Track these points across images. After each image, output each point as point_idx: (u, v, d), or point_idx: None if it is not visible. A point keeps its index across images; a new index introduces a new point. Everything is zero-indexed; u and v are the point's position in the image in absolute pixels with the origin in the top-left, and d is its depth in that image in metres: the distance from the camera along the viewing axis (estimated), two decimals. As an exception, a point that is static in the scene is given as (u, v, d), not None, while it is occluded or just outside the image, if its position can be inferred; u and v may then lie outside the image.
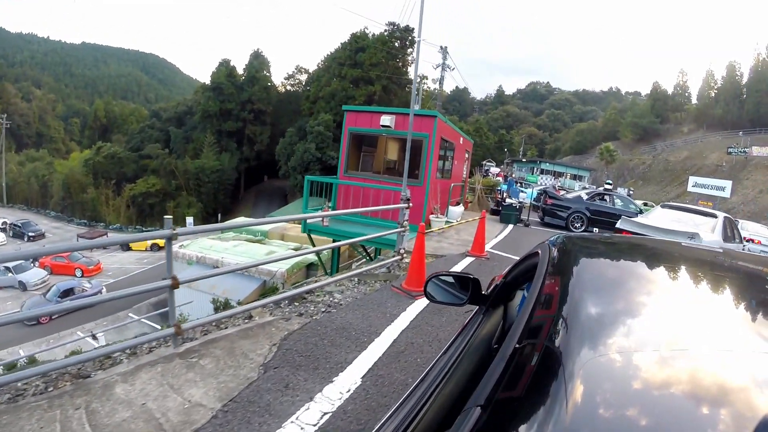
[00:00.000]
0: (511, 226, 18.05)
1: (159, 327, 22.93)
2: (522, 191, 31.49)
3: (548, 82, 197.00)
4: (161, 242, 40.91)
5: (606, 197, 20.28)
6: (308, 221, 13.52)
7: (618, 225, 11.50)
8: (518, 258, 2.58)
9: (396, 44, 71.45)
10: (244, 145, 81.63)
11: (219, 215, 66.46)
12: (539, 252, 2.00)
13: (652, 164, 75.95)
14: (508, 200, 20.30)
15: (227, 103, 78.41)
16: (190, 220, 59.72)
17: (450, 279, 2.68)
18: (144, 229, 71.65)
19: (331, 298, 7.18)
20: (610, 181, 22.92)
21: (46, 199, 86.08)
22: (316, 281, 9.39)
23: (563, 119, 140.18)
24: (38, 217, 76.13)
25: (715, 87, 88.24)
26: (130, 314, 27.16)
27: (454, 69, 36.73)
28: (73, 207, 79.84)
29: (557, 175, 67.25)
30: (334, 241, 12.74)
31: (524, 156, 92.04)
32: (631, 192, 30.40)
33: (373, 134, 15.29)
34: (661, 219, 11.55)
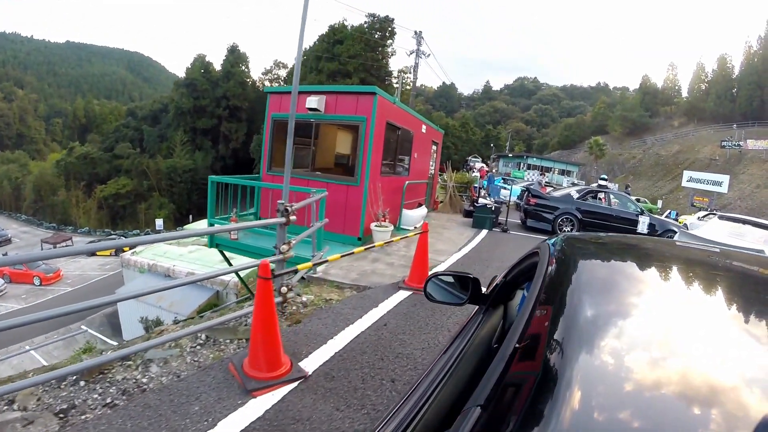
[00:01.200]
0: (485, 232, 14.75)
1: (110, 341, 22.21)
2: (504, 188, 28.60)
3: (536, 78, 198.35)
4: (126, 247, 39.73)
5: (600, 195, 17.15)
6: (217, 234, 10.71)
7: (676, 239, 10.22)
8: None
9: (376, 36, 68.50)
10: (220, 143, 79.21)
11: (191, 217, 63.31)
12: (539, 251, 2.00)
13: (642, 159, 74.72)
14: (481, 200, 16.94)
15: (201, 100, 76.18)
16: (159, 222, 57.26)
17: (450, 278, 2.64)
18: (113, 232, 69.25)
19: (142, 374, 4.58)
20: (605, 176, 19.51)
21: (19, 202, 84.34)
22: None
23: (551, 114, 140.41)
24: (8, 221, 74.93)
25: (706, 80, 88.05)
26: (83, 326, 26.11)
27: (429, 55, 33.62)
28: (44, 210, 77.77)
29: (545, 170, 65.94)
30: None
31: (511, 151, 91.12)
32: (629, 188, 27.45)
33: (301, 121, 12.03)
34: (719, 233, 10.78)
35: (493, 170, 30.65)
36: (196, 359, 4.95)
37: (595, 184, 18.77)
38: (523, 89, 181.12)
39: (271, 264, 4.88)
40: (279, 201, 6.15)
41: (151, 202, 72.99)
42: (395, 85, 71.23)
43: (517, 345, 1.27)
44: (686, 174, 39.31)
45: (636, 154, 77.89)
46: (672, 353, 1.07)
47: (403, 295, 7.37)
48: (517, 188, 26.05)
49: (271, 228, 8.32)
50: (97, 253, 47.70)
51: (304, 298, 6.86)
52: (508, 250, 12.08)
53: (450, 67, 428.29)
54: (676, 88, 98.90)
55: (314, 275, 8.16)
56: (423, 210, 14.86)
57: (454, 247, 11.64)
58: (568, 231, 15.87)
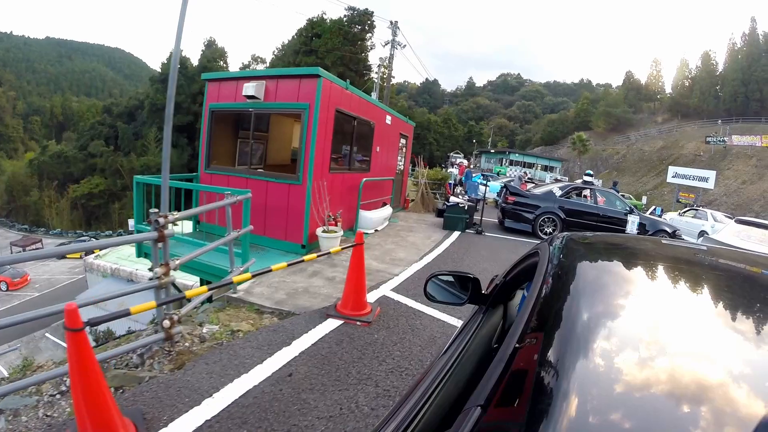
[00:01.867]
0: (456, 235, 13.18)
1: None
2: (484, 184, 27.09)
3: (519, 74, 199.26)
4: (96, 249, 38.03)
5: (586, 192, 15.63)
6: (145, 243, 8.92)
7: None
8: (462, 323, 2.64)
9: (356, 29, 66.90)
10: (196, 140, 77.01)
11: (166, 216, 61.31)
12: (539, 251, 2.02)
13: (626, 154, 74.82)
14: (453, 199, 15.24)
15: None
16: (132, 222, 55.09)
17: (449, 278, 2.62)
18: (85, 233, 67.21)
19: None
20: (591, 172, 17.74)
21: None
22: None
23: (534, 110, 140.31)
24: (-19, 223, 72.65)
25: (690, 77, 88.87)
26: (47, 334, 25.21)
27: (405, 46, 32.05)
28: (18, 211, 75.61)
29: (527, 166, 65.36)
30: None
31: (493, 147, 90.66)
32: (617, 185, 26.10)
33: (239, 111, 10.35)
34: (739, 238, 10.60)
35: (473, 166, 29.04)
36: (49, 413, 3.80)
37: (579, 180, 17.18)
38: (506, 85, 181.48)
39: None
40: (152, 210, 4.47)
41: (125, 201, 70.41)
42: (375, 80, 70.00)
43: (517, 345, 1.26)
44: (671, 170, 38.69)
45: (620, 149, 77.83)
46: (672, 354, 1.05)
47: (329, 326, 5.74)
48: (497, 185, 24.29)
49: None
50: (67, 256, 46.03)
51: (206, 330, 5.42)
52: (480, 257, 10.52)
53: (433, 63, 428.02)
54: (660, 84, 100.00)
55: (234, 295, 6.63)
56: (387, 210, 13.22)
57: (417, 254, 10.05)
58: (549, 232, 14.46)
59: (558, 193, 14.98)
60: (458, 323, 5.74)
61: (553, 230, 14.43)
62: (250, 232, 7.20)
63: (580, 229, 14.24)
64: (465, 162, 51.15)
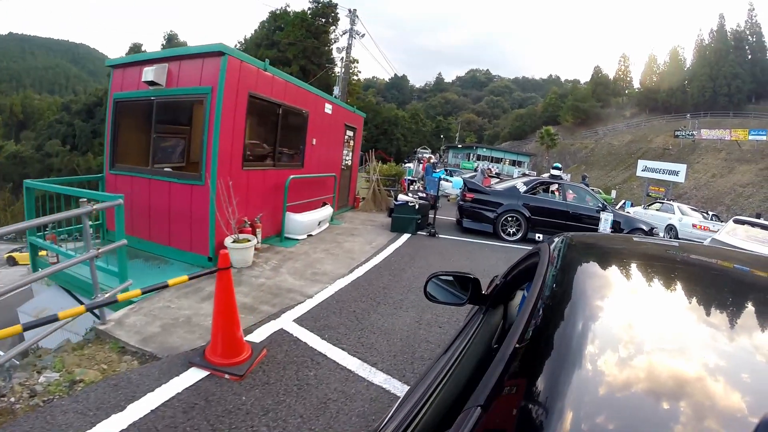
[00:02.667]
0: (405, 238, 11.61)
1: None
2: (447, 180, 25.51)
3: (488, 70, 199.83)
4: (17, 255, 38.28)
5: (553, 187, 14.10)
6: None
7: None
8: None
9: (320, 22, 64.93)
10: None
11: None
12: (539, 251, 2.02)
13: (595, 148, 74.87)
14: (401, 197, 13.36)
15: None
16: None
17: (450, 278, 2.58)
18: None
19: None
20: (559, 165, 15.89)
21: (-51, 208, 78.36)
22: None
23: (502, 106, 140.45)
24: (-65, 230, 69.34)
25: (658, 72, 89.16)
26: None
27: (364, 35, 30.32)
28: (-26, 215, 72.74)
29: (495, 160, 64.85)
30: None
31: (461, 142, 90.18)
32: (587, 179, 24.85)
33: (138, 100, 8.60)
34: (739, 238, 10.48)
35: (430, 159, 27.46)
36: None
37: (546, 175, 15.57)
38: (475, 81, 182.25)
39: None
40: None
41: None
42: (338, 74, 68.37)
43: (517, 345, 1.25)
44: (641, 163, 38.38)
45: (588, 143, 77.85)
46: (673, 354, 1.08)
47: (187, 380, 4.17)
48: (460, 180, 22.65)
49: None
50: (20, 262, 43.67)
51: (43, 378, 4.13)
52: (427, 266, 8.85)
53: (403, 59, 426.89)
54: (628, 79, 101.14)
55: (102, 326, 5.15)
56: (325, 211, 11.49)
57: (348, 266, 8.36)
58: (513, 233, 12.95)
59: (522, 188, 13.42)
60: (370, 374, 4.53)
61: (517, 230, 12.94)
62: (157, 242, 7.07)
63: (547, 228, 12.95)
64: (432, 157, 49.98)
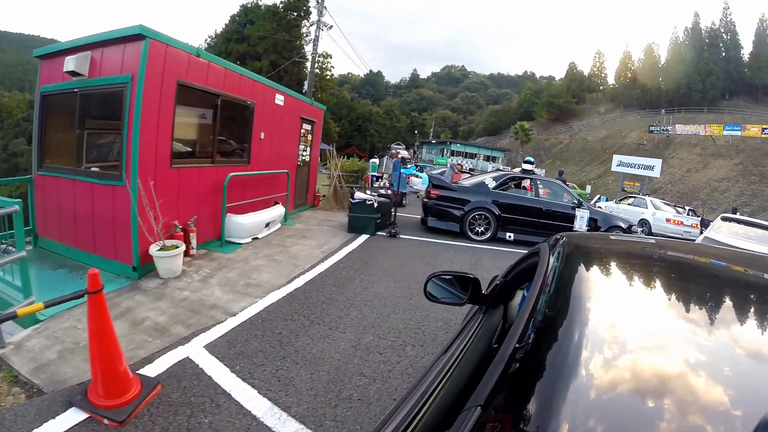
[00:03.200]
0: (363, 240, 10.56)
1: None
2: (417, 176, 24.58)
3: (463, 66, 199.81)
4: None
5: (526, 183, 13.21)
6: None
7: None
8: None
9: (292, 15, 63.71)
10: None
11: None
12: (539, 252, 2.02)
13: (569, 144, 74.92)
14: (359, 195, 12.12)
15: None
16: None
17: (450, 278, 2.57)
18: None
19: None
20: (531, 159, 14.76)
21: None
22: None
23: (478, 102, 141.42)
24: None
25: (633, 68, 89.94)
26: None
27: (332, 27, 29.16)
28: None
29: (470, 156, 64.63)
30: None
31: (436, 138, 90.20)
32: (563, 174, 24.08)
33: (62, 93, 7.62)
34: (731, 236, 10.40)
35: (397, 154, 26.46)
36: None
37: (517, 169, 14.64)
38: (451, 77, 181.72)
39: None
40: None
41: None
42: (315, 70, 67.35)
43: (517, 345, 1.25)
44: (616, 158, 38.14)
45: (563, 139, 77.94)
46: (673, 355, 1.07)
47: (63, 424, 3.37)
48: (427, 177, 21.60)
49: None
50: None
51: None
52: (380, 274, 7.90)
53: (379, 55, 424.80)
54: (603, 75, 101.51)
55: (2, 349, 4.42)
56: (275, 211, 10.48)
57: (288, 275, 7.37)
58: (481, 232, 12.10)
59: (491, 184, 12.47)
60: (279, 422, 3.60)
61: (486, 229, 12.06)
62: (83, 250, 6.36)
63: (519, 227, 12.12)
64: (406, 153, 49.11)
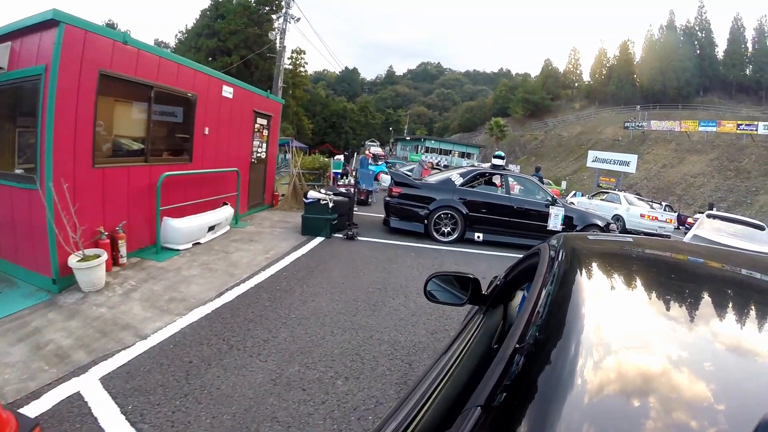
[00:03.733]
0: (317, 243, 9.74)
1: None
2: (386, 173, 23.80)
3: (439, 63, 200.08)
4: None
5: (496, 179, 12.38)
6: None
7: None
8: None
9: (265, 10, 62.45)
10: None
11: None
12: (539, 252, 2.01)
13: (544, 140, 75.89)
14: (312, 194, 11.22)
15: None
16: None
17: (450, 278, 2.54)
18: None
19: None
20: (501, 153, 13.68)
21: None
22: None
23: (453, 98, 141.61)
24: None
25: (608, 65, 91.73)
26: None
27: (299, 19, 28.23)
28: None
29: (444, 152, 64.52)
30: None
31: (411, 134, 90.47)
32: (539, 170, 23.41)
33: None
34: (718, 233, 10.48)
35: (367, 151, 25.54)
36: None
37: (487, 164, 13.80)
38: (426, 74, 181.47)
39: None
40: None
41: None
42: (287, 65, 66.34)
43: (517, 345, 1.23)
44: (591, 154, 38.67)
45: (538, 135, 78.98)
46: (674, 356, 1.05)
47: None
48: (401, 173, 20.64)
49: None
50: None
51: None
52: (326, 285, 7.01)
53: (355, 52, 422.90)
54: (578, 72, 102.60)
55: None
56: (223, 213, 9.59)
57: (221, 286, 6.52)
58: (447, 232, 11.33)
59: (458, 181, 11.66)
60: None
61: (453, 229, 11.30)
62: (5, 259, 5.79)
63: (489, 226, 11.41)
64: (380, 150, 48.51)
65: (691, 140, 53.90)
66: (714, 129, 52.10)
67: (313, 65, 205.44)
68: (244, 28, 58.72)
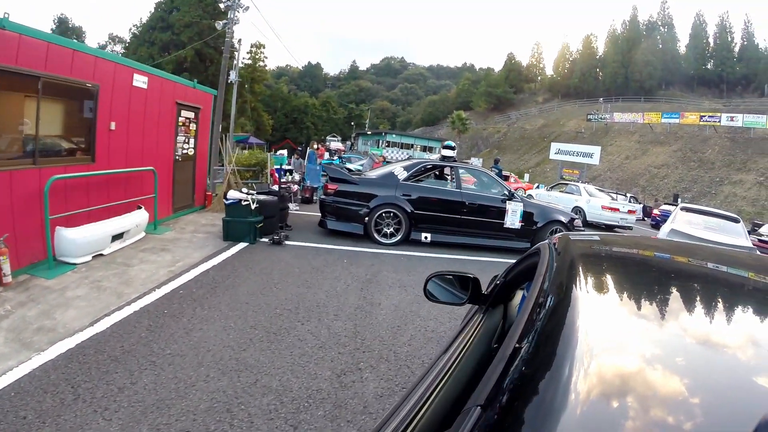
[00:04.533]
0: (237, 250, 8.58)
1: None
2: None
3: (403, 58, 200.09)
4: None
5: (447, 173, 11.34)
6: None
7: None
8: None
9: (219, 2, 60.68)
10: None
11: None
12: (539, 251, 2.00)
13: (507, 133, 75.80)
14: (233, 194, 9.75)
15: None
16: None
17: (450, 278, 2.56)
18: None
19: None
20: (452, 143, 12.37)
21: None
22: None
23: (417, 93, 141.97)
24: None
25: (571, 59, 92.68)
26: None
27: (248, 8, 26.88)
28: None
29: (406, 146, 64.54)
30: None
31: (373, 129, 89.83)
32: (499, 163, 22.56)
33: None
34: (696, 227, 10.60)
35: (314, 145, 24.44)
36: None
37: (435, 156, 12.74)
38: (390, 68, 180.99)
39: None
40: None
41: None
42: (246, 60, 65.04)
43: (517, 345, 1.21)
44: (554, 146, 39.09)
45: (500, 128, 78.80)
46: (674, 356, 1.05)
47: None
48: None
49: None
50: None
51: None
52: (223, 306, 5.88)
53: (318, 47, 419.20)
54: (541, 66, 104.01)
55: None
56: (135, 218, 8.45)
57: (102, 310, 5.42)
58: (390, 233, 10.30)
59: (402, 175, 10.54)
60: None
61: (396, 230, 10.25)
62: None
63: (438, 225, 10.43)
64: (340, 145, 47.66)
65: (654, 132, 54.35)
66: (677, 121, 52.62)
67: (276, 61, 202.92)
68: (199, 20, 57.09)
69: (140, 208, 8.93)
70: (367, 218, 10.14)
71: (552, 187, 23.55)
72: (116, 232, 7.92)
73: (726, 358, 1.05)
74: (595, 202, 19.25)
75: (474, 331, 2.14)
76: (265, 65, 73.15)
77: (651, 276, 1.75)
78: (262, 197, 9.80)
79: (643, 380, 0.91)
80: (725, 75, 76.42)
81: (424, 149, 64.83)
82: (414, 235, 10.37)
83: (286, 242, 9.43)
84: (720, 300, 1.48)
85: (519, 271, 2.32)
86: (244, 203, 9.22)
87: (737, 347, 1.09)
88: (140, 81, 9.13)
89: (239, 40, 46.85)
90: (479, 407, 1.02)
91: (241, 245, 8.88)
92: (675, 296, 1.48)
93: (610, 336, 1.12)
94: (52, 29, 72.42)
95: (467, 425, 0.99)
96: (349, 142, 69.85)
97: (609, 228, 18.64)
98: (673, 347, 1.09)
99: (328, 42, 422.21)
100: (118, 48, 76.82)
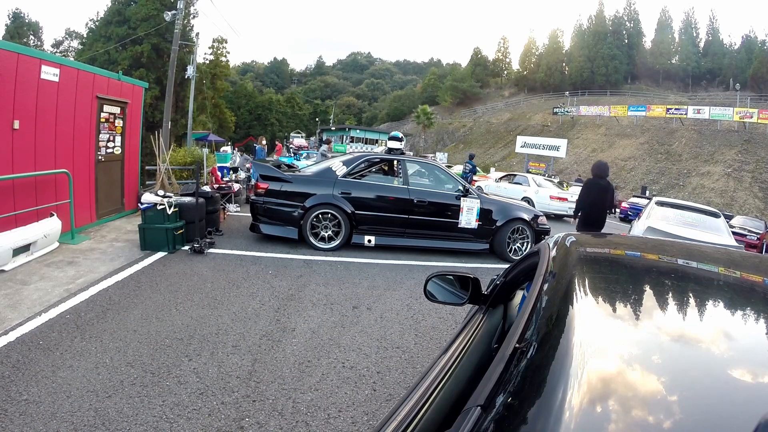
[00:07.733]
0: (151, 261, 7.65)
1: None
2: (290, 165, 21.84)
3: (369, 53, 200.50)
4: None
5: (394, 167, 10.29)
6: None
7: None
8: None
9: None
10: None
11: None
12: (539, 251, 2.01)
13: (473, 127, 76.55)
14: (147, 197, 8.73)
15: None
16: None
17: (450, 278, 2.59)
18: None
19: None
20: (399, 134, 11.41)
21: None
22: None
23: (383, 88, 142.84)
24: None
25: (537, 53, 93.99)
26: None
27: None
28: None
29: (370, 142, 64.59)
30: None
31: (338, 124, 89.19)
32: (473, 158, 22.11)
33: None
34: (674, 224, 10.18)
35: (262, 141, 23.34)
36: None
37: (380, 149, 11.91)
38: (356, 64, 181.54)
39: None
40: None
41: None
42: (208, 55, 63.90)
43: (517, 345, 1.25)
44: (520, 139, 40.11)
45: (466, 122, 79.59)
46: (674, 354, 1.07)
47: None
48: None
49: None
50: None
51: None
52: (109, 336, 4.96)
53: (283, 42, 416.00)
54: (507, 61, 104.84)
55: None
56: (42, 228, 7.56)
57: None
58: (328, 237, 9.45)
59: (341, 171, 9.62)
60: None
61: (335, 233, 9.40)
62: None
63: (382, 226, 9.63)
64: (303, 141, 46.79)
65: (621, 125, 54.96)
66: (643, 114, 53.46)
67: (241, 56, 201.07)
68: (156, 13, 55.61)
69: (53, 215, 8.07)
70: (302, 221, 9.27)
71: (500, 179, 23.53)
72: (18, 244, 7.02)
73: (727, 355, 1.05)
74: (543, 192, 19.68)
75: (474, 331, 2.16)
76: (228, 61, 71.86)
77: (651, 276, 1.76)
78: (185, 199, 8.93)
79: (643, 380, 0.91)
80: (690, 70, 78.11)
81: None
82: (356, 238, 9.53)
83: (210, 250, 8.55)
84: (720, 300, 1.49)
85: (519, 272, 2.34)
86: (159, 207, 8.28)
87: (737, 345, 1.11)
88: (50, 73, 8.24)
89: (197, 34, 45.73)
90: (479, 407, 1.03)
91: (159, 255, 8.01)
92: (675, 296, 1.49)
93: (610, 336, 1.13)
94: (6, 25, 70.20)
95: (467, 425, 0.99)
96: (315, 138, 69.32)
97: (558, 218, 19.13)
98: (673, 348, 1.10)
99: (294, 38, 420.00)
100: (75, 43, 74.75)
